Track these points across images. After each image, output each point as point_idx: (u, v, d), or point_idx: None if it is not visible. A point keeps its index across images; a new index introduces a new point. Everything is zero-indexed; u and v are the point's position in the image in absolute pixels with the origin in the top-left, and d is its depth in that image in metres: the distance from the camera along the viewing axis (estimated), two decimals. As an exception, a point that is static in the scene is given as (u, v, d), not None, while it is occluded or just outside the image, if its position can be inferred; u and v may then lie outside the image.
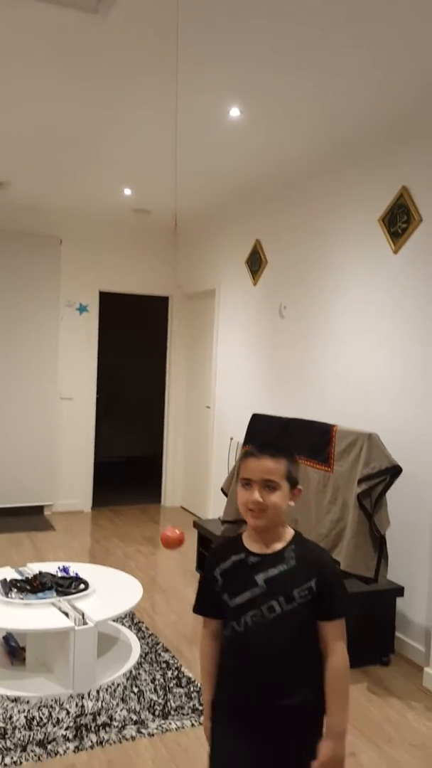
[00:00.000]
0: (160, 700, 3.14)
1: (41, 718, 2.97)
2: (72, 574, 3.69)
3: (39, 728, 2.90)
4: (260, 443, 1.75)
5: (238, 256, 5.90)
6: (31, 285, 6.54)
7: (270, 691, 1.65)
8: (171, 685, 3.30)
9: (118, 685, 3.27)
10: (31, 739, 2.82)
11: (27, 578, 3.57)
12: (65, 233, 6.68)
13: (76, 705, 3.08)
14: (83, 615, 3.23)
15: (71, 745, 2.80)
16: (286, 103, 3.66)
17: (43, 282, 6.59)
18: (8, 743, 2.78)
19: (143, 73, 3.35)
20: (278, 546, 1.70)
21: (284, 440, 4.17)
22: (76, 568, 3.81)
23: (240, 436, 4.75)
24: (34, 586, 3.48)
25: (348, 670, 1.68)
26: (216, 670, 1.76)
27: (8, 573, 3.73)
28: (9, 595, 3.40)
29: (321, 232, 4.71)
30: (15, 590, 3.44)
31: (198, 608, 1.79)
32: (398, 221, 3.91)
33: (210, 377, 6.48)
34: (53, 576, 3.62)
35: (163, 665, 3.50)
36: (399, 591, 3.67)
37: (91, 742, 2.83)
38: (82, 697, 3.14)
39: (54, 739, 2.83)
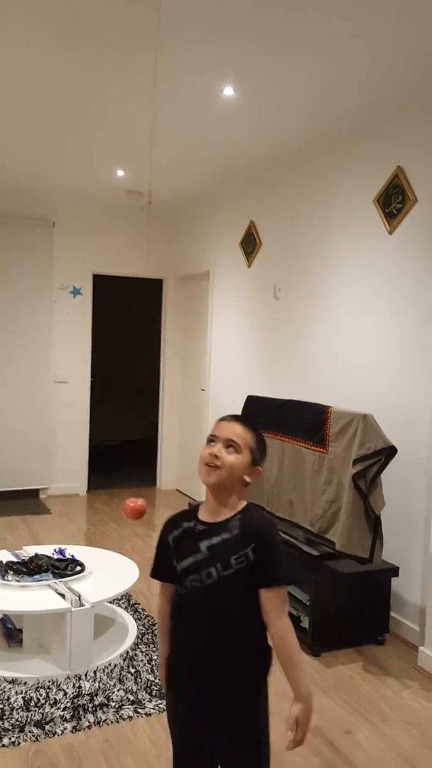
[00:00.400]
0: (156, 680, 3.16)
1: (39, 699, 2.98)
2: (68, 556, 3.70)
3: (36, 709, 2.91)
4: (237, 414, 1.85)
5: (233, 237, 5.86)
6: (24, 268, 6.49)
7: (208, 653, 1.70)
8: (168, 665, 3.32)
9: (115, 665, 3.29)
10: (28, 719, 2.84)
11: (23, 561, 3.58)
12: (58, 216, 6.62)
13: (74, 686, 3.10)
14: (80, 597, 3.24)
15: (69, 726, 2.82)
16: (281, 83, 3.61)
17: (36, 265, 6.54)
18: (6, 724, 2.80)
19: (135, 51, 3.29)
20: (227, 516, 1.73)
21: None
22: (72, 551, 3.82)
23: (235, 418, 4.74)
24: (31, 568, 3.48)
25: (292, 636, 1.70)
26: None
27: (4, 556, 3.74)
28: (5, 578, 3.41)
29: (316, 214, 4.68)
30: (11, 573, 3.45)
31: (153, 572, 1.86)
32: (393, 202, 3.88)
33: (205, 360, 6.47)
34: (49, 558, 3.63)
35: (160, 646, 3.52)
36: (394, 571, 3.69)
37: (89, 722, 2.85)
38: (79, 678, 3.16)
39: (52, 720, 2.85)
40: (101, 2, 2.86)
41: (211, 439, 1.75)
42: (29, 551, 3.79)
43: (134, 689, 3.09)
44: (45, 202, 6.53)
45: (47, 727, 2.80)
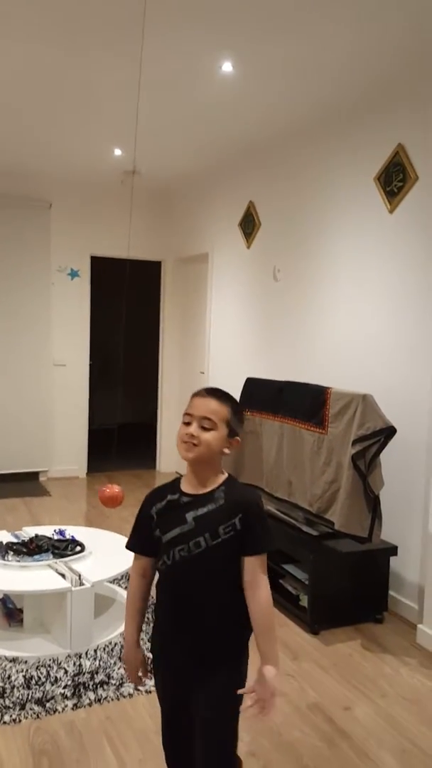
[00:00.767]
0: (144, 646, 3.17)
1: (39, 677, 3.00)
2: (68, 537, 3.71)
3: (37, 687, 2.93)
4: (211, 388, 1.84)
5: (232, 218, 5.82)
6: (21, 250, 6.45)
7: (195, 620, 1.75)
8: (168, 644, 3.34)
9: (116, 644, 3.31)
10: (29, 697, 2.86)
11: (23, 541, 3.59)
12: (55, 197, 6.57)
13: (74, 664, 3.11)
14: (80, 576, 3.26)
15: (69, 703, 2.84)
16: (281, 59, 3.57)
17: (34, 247, 6.50)
18: (7, 702, 2.82)
19: (131, 26, 3.24)
20: (210, 488, 1.77)
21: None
22: (72, 532, 3.83)
23: (234, 400, 4.74)
24: (31, 548, 3.49)
25: (271, 602, 1.75)
26: (140, 607, 1.87)
27: (4, 536, 3.75)
28: (6, 558, 3.42)
29: (316, 193, 4.64)
30: (12, 553, 3.46)
31: (130, 544, 1.88)
32: (394, 180, 3.85)
33: (204, 342, 6.45)
34: (49, 539, 3.64)
35: (160, 625, 3.54)
36: (393, 550, 3.70)
37: (89, 699, 2.86)
38: (80, 657, 3.17)
39: (52, 698, 2.86)
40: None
41: (187, 419, 1.77)
42: (29, 532, 3.80)
43: (134, 667, 3.11)
44: (42, 183, 6.48)
45: (48, 704, 2.82)
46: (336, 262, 4.42)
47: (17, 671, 3.04)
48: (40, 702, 2.83)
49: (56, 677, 3.01)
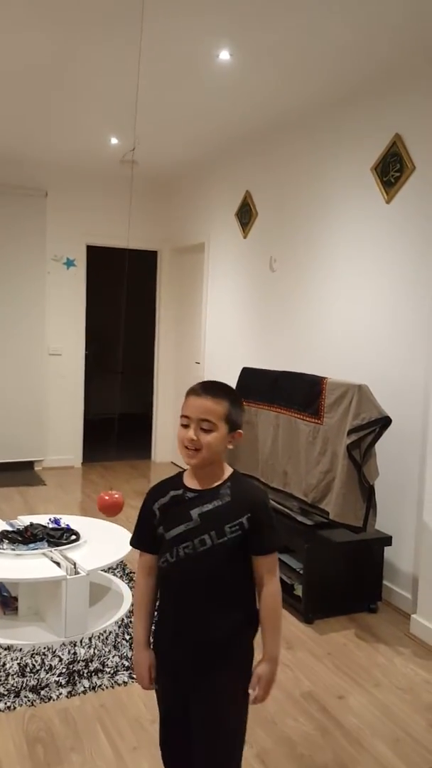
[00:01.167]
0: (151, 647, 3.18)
1: (34, 665, 3.00)
2: (63, 525, 3.71)
3: (32, 675, 2.94)
4: (205, 383, 1.77)
5: (228, 208, 5.80)
6: (17, 239, 6.42)
7: (200, 618, 1.71)
8: (162, 632, 3.35)
9: (110, 632, 3.31)
10: (24, 685, 2.86)
11: (18, 530, 3.59)
12: (51, 185, 6.53)
13: (69, 652, 3.12)
14: (75, 565, 3.26)
15: (64, 691, 2.84)
16: (279, 47, 3.54)
17: (29, 236, 6.47)
18: (2, 689, 2.82)
19: (126, 13, 3.21)
20: (215, 483, 1.73)
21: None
22: (68, 520, 3.83)
23: (230, 390, 4.74)
24: (26, 537, 3.49)
25: (280, 601, 1.74)
26: (149, 605, 1.82)
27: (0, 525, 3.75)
28: (1, 546, 3.41)
29: (312, 183, 4.62)
30: (7, 541, 3.46)
31: (135, 542, 1.83)
32: (391, 170, 3.83)
33: (199, 332, 6.44)
34: (45, 527, 3.64)
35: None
36: (387, 540, 3.72)
37: (84, 687, 2.87)
38: (75, 645, 3.18)
39: (47, 685, 2.87)
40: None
41: (185, 422, 1.71)
42: (24, 520, 3.80)
43: (129, 655, 3.11)
44: (37, 171, 6.43)
45: (42, 692, 2.83)
46: (333, 252, 4.40)
47: (12, 659, 3.05)
48: (34, 689, 2.84)
49: (51, 665, 3.01)
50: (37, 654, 3.10)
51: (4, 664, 3.00)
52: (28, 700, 2.77)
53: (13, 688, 2.83)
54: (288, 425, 4.01)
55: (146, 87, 4.17)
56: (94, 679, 2.93)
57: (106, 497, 1.59)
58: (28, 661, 3.04)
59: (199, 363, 6.45)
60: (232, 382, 4.58)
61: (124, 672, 2.99)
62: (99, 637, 3.26)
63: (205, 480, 1.74)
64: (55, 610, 3.25)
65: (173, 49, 3.61)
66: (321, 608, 3.62)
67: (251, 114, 4.70)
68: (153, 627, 1.83)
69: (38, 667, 2.99)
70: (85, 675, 2.95)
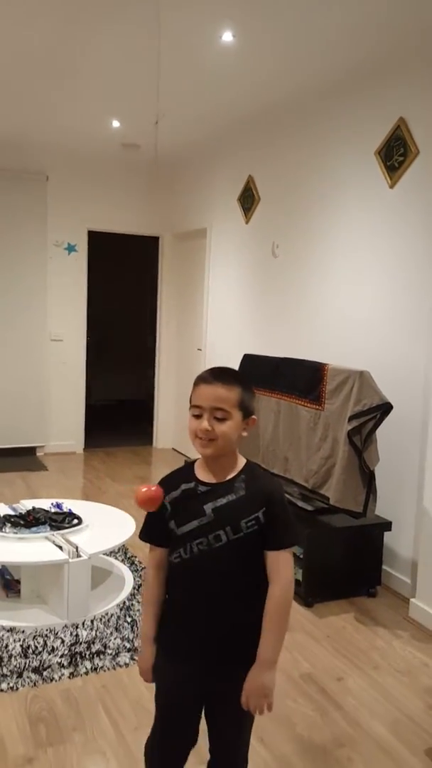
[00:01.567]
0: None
1: (36, 647, 3.04)
2: (65, 509, 3.73)
3: (34, 656, 2.97)
4: (214, 370, 1.70)
5: (230, 193, 5.78)
6: (18, 223, 6.40)
7: (214, 614, 1.66)
8: (163, 615, 3.38)
9: (112, 615, 3.34)
10: (26, 666, 2.89)
11: (21, 514, 3.61)
12: (52, 169, 6.50)
13: (71, 634, 3.15)
14: (77, 548, 3.28)
15: (66, 672, 2.87)
16: (282, 29, 3.51)
17: (30, 221, 6.45)
18: (5, 670, 2.85)
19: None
20: (229, 476, 1.67)
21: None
22: (70, 505, 3.85)
23: (231, 376, 4.75)
24: (28, 521, 3.51)
25: (290, 600, 1.67)
26: (158, 600, 1.75)
27: (2, 509, 3.77)
28: (3, 530, 3.44)
29: (316, 167, 4.60)
30: (9, 525, 3.48)
31: (144, 535, 1.77)
32: (395, 154, 3.82)
33: (201, 319, 6.44)
34: (47, 511, 3.66)
35: (156, 597, 3.57)
36: (387, 525, 3.74)
37: (86, 668, 2.90)
38: (77, 627, 3.21)
39: (49, 666, 2.90)
40: None
41: (197, 412, 1.64)
42: (27, 505, 3.82)
43: (131, 637, 3.15)
44: (38, 155, 6.40)
45: (45, 673, 2.86)
46: (335, 237, 4.39)
47: (14, 640, 3.08)
48: (37, 671, 2.87)
49: (53, 647, 3.04)
50: (39, 636, 3.13)
51: (6, 646, 3.03)
52: (31, 681, 2.80)
53: (15, 669, 2.87)
54: (289, 411, 4.02)
55: (148, 69, 4.15)
56: (96, 660, 2.96)
57: (143, 489, 1.56)
58: (31, 642, 3.07)
59: (200, 350, 6.45)
60: (234, 368, 4.58)
61: (126, 654, 3.02)
62: (101, 620, 3.29)
63: (218, 472, 1.67)
64: (58, 592, 3.28)
65: (176, 31, 3.58)
66: (321, 592, 3.65)
67: (254, 97, 4.67)
68: (161, 615, 1.76)
69: (41, 649, 3.02)
70: (86, 656, 2.98)
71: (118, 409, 9.08)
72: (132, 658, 2.98)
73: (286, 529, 1.66)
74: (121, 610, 3.41)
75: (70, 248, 6.68)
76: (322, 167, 4.53)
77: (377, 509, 3.59)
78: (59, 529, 3.48)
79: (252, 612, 1.65)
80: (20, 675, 2.83)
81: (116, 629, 3.21)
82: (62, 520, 3.56)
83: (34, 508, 3.68)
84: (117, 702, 2.69)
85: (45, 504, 3.83)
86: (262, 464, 4.26)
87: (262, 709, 1.64)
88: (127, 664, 2.94)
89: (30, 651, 3.00)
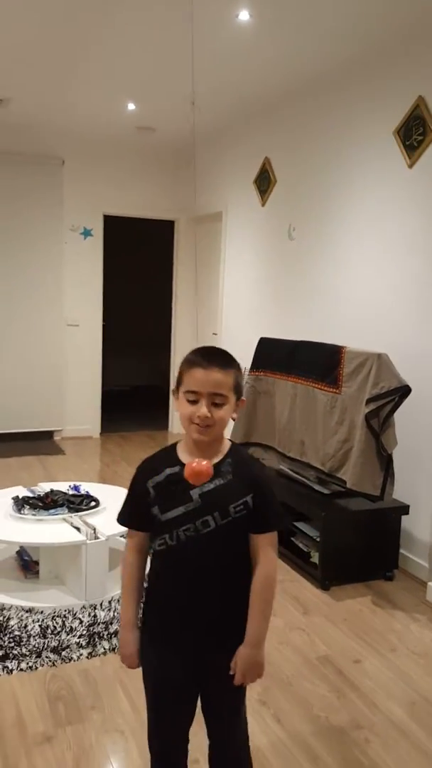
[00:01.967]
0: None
1: (55, 627, 3.07)
2: (83, 492, 3.75)
3: (53, 636, 3.00)
4: (206, 352, 1.64)
5: (246, 175, 5.73)
6: (34, 208, 6.40)
7: (204, 601, 1.65)
8: (180, 597, 3.40)
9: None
10: (45, 646, 2.92)
11: (39, 496, 3.63)
12: (67, 154, 6.49)
13: (89, 615, 3.18)
14: (95, 530, 3.30)
15: (84, 652, 2.90)
16: (299, 8, 3.46)
17: (46, 205, 6.45)
18: (24, 650, 2.89)
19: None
20: (215, 459, 1.63)
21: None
22: (87, 487, 3.87)
23: (247, 361, 4.73)
24: (47, 503, 3.54)
25: (275, 579, 1.67)
26: (139, 585, 1.72)
27: (20, 491, 3.79)
28: (22, 512, 3.46)
29: (333, 147, 4.55)
30: (28, 507, 3.50)
31: (124, 519, 1.73)
32: (413, 133, 3.76)
33: (217, 303, 6.41)
34: (65, 494, 3.68)
35: (173, 579, 3.59)
36: (404, 509, 3.72)
37: (104, 648, 2.93)
38: (95, 608, 3.24)
39: (68, 646, 2.93)
40: None
41: (194, 397, 1.59)
42: (45, 487, 3.85)
43: (148, 619, 3.16)
44: (54, 140, 6.38)
45: (63, 653, 2.89)
46: (353, 219, 4.35)
47: (33, 621, 3.11)
48: (55, 650, 2.90)
49: (71, 627, 3.07)
50: (57, 616, 3.16)
51: (26, 626, 3.06)
52: (50, 661, 2.83)
53: (35, 649, 2.90)
54: (305, 395, 4.00)
55: (164, 51, 4.11)
56: (114, 640, 2.98)
57: (194, 464, 1.59)
58: (50, 623, 3.10)
59: (216, 334, 6.43)
60: (250, 352, 4.57)
61: (143, 634, 3.04)
62: (118, 601, 3.29)
63: (205, 456, 1.61)
64: (76, 573, 3.30)
65: (192, 10, 3.54)
66: (337, 575, 3.65)
67: (271, 78, 4.61)
68: (144, 607, 1.74)
69: (59, 629, 3.05)
70: (105, 637, 3.01)
71: (133, 395, 9.10)
72: (149, 639, 2.99)
73: (274, 512, 1.66)
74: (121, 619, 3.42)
75: (86, 233, 6.67)
76: (339, 147, 4.47)
77: (395, 493, 3.57)
78: (77, 511, 3.51)
79: (239, 592, 1.65)
80: (39, 655, 2.86)
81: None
82: (80, 503, 3.58)
83: (52, 491, 3.71)
84: (135, 681, 2.70)
85: (63, 487, 3.86)
86: (278, 447, 4.25)
87: (254, 680, 1.70)
88: (144, 645, 2.96)
89: (49, 631, 3.03)
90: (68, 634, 3.02)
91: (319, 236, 4.73)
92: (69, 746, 2.33)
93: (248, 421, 4.43)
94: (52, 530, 3.34)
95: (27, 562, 3.56)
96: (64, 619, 3.14)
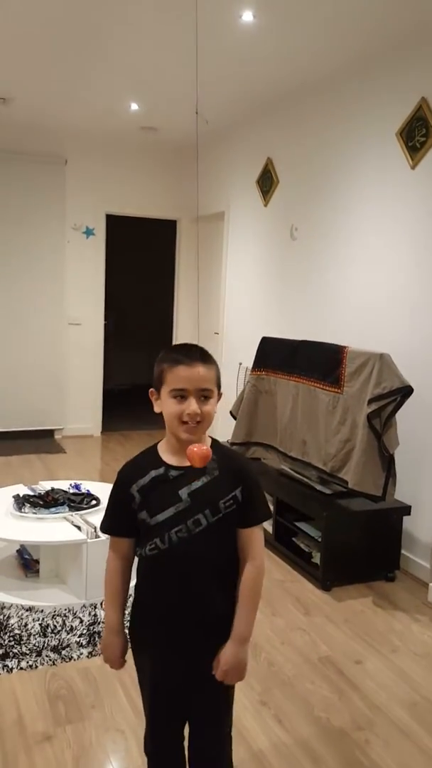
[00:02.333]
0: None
1: (55, 626, 3.06)
2: (84, 491, 3.74)
3: (53, 635, 2.99)
4: (185, 349, 1.62)
5: (249, 175, 5.72)
6: (37, 207, 6.40)
7: (198, 603, 1.62)
8: (181, 596, 3.39)
9: (130, 595, 3.34)
10: (45, 645, 2.92)
11: (40, 494, 3.63)
12: (70, 153, 6.48)
13: (89, 614, 3.17)
14: (95, 528, 3.29)
15: (85, 651, 2.89)
16: (302, 9, 3.45)
17: (49, 204, 6.45)
18: (24, 649, 2.88)
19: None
20: None
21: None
22: (88, 486, 3.86)
23: (249, 361, 4.72)
24: (47, 501, 3.53)
25: (263, 575, 1.66)
26: (124, 591, 1.70)
27: (21, 490, 3.79)
28: (22, 510, 3.46)
29: (336, 148, 4.54)
30: (28, 505, 3.50)
31: (108, 528, 1.69)
32: (416, 135, 3.75)
33: (218, 302, 6.41)
34: (65, 492, 3.68)
35: (174, 579, 3.59)
36: (406, 510, 3.71)
37: (105, 647, 2.92)
38: (95, 607, 3.23)
39: (68, 646, 2.92)
40: None
41: (181, 394, 1.57)
42: (45, 486, 3.85)
43: (148, 618, 3.16)
44: (57, 139, 6.39)
45: (64, 652, 2.88)
46: (356, 219, 4.34)
47: (34, 620, 3.10)
48: (56, 649, 2.89)
49: (72, 626, 3.07)
50: (58, 615, 3.15)
51: (26, 625, 3.06)
52: (50, 660, 2.82)
53: (35, 648, 2.89)
54: (307, 394, 3.99)
55: (167, 52, 4.10)
56: (114, 640, 2.97)
57: (195, 449, 1.59)
58: (50, 622, 3.09)
59: (218, 333, 6.43)
60: (252, 351, 4.56)
61: (144, 634, 3.03)
62: (119, 600, 3.30)
63: None
64: (76, 572, 3.30)
65: (195, 11, 3.53)
66: (339, 576, 3.64)
67: (274, 78, 4.61)
68: (132, 614, 1.71)
69: (59, 628, 3.05)
70: (105, 636, 3.00)
71: (135, 394, 9.08)
72: (150, 638, 2.99)
73: (261, 504, 1.66)
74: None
75: (89, 232, 6.67)
76: (342, 149, 4.46)
77: (396, 493, 3.57)
78: (78, 509, 3.50)
79: (232, 591, 1.64)
80: (39, 654, 2.86)
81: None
82: (81, 501, 3.57)
83: (53, 489, 3.70)
84: (135, 681, 2.68)
85: (64, 485, 3.85)
86: (280, 447, 4.24)
87: (235, 681, 1.66)
88: (145, 644, 2.95)
89: (49, 630, 3.03)
90: (68, 633, 3.01)
91: (321, 236, 4.73)
92: (69, 745, 2.32)
93: (250, 420, 4.42)
94: (52, 529, 3.33)
95: (27, 561, 3.56)
96: (64, 618, 3.13)
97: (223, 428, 5.90)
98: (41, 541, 3.30)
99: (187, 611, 1.63)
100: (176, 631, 1.64)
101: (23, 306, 6.47)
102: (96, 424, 6.98)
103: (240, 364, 5.62)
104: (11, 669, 2.75)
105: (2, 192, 6.26)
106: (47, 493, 3.63)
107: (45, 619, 3.11)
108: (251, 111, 5.43)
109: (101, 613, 3.17)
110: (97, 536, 3.26)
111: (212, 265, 6.61)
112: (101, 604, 3.26)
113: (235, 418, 4.57)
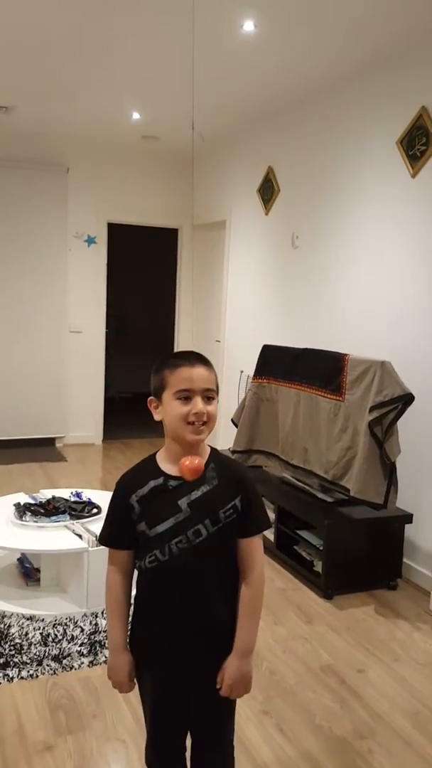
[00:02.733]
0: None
1: (56, 635, 3.05)
2: (85, 499, 3.74)
3: (54, 644, 2.98)
4: (184, 354, 1.63)
5: (250, 184, 5.74)
6: (39, 215, 6.42)
7: (198, 613, 1.60)
8: (182, 605, 3.38)
9: (131, 605, 3.34)
10: (46, 654, 2.91)
11: (41, 503, 3.62)
12: (72, 161, 6.51)
13: (90, 623, 3.16)
14: (96, 537, 3.28)
15: (86, 660, 2.88)
16: (303, 19, 3.47)
17: (51, 212, 6.47)
18: (24, 658, 2.87)
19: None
20: None
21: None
22: (89, 494, 3.86)
23: (250, 369, 4.73)
24: (48, 509, 3.53)
25: (264, 585, 1.64)
26: (126, 606, 1.67)
27: (22, 498, 3.79)
28: (23, 519, 3.46)
29: (336, 157, 4.56)
30: (29, 514, 3.49)
31: (107, 539, 1.67)
32: (417, 143, 3.76)
33: (220, 310, 6.42)
34: (66, 501, 3.67)
35: (175, 587, 3.57)
36: (407, 518, 3.70)
37: (105, 657, 2.90)
38: (96, 616, 3.22)
39: (69, 655, 2.91)
40: None
41: (185, 394, 1.56)
42: (46, 494, 3.84)
43: (150, 627, 3.15)
44: (59, 147, 6.41)
45: (65, 661, 2.87)
46: (357, 227, 4.35)
47: (34, 629, 3.10)
48: (56, 659, 2.88)
49: (73, 635, 3.06)
50: (59, 624, 3.14)
51: (27, 634, 3.05)
52: (51, 669, 2.81)
53: (35, 657, 2.88)
54: (309, 402, 3.99)
55: (169, 61, 4.12)
56: (116, 649, 2.96)
57: (187, 462, 1.56)
58: (51, 631, 3.08)
59: (219, 341, 6.43)
60: (253, 359, 4.56)
61: (145, 643, 3.02)
62: (120, 609, 3.29)
63: None
64: (77, 581, 3.29)
65: (197, 20, 3.55)
66: (340, 584, 3.63)
67: (275, 87, 4.63)
68: (132, 627, 1.68)
69: (60, 637, 3.04)
70: (106, 645, 2.99)
71: (136, 402, 9.07)
72: (151, 647, 2.98)
73: (261, 513, 1.64)
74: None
75: (90, 240, 6.68)
76: (342, 157, 4.48)
77: (398, 501, 3.56)
78: (79, 518, 3.50)
79: (229, 600, 1.62)
80: (40, 663, 2.85)
81: (135, 618, 3.22)
82: (81, 510, 3.57)
83: (54, 497, 3.70)
84: (136, 690, 2.69)
85: (64, 493, 3.85)
86: (281, 455, 4.24)
87: (241, 695, 1.64)
88: (146, 653, 2.94)
89: (50, 639, 3.02)
90: (69, 642, 3.00)
91: (322, 245, 4.74)
92: (70, 755, 2.31)
93: (251, 428, 4.42)
94: (53, 537, 3.33)
95: (28, 570, 3.55)
96: (65, 627, 3.12)
97: (225, 436, 5.91)
98: (42, 550, 3.29)
99: (187, 622, 1.61)
100: (177, 643, 1.62)
101: (25, 313, 6.48)
102: (97, 432, 6.97)
103: (241, 371, 5.62)
104: (12, 678, 2.74)
105: (4, 200, 6.28)
106: (48, 501, 3.63)
107: (46, 628, 3.10)
108: (252, 120, 5.46)
109: (102, 622, 3.16)
110: (98, 545, 3.25)
111: (214, 273, 6.63)
112: (102, 613, 3.25)
113: (236, 425, 4.57)
